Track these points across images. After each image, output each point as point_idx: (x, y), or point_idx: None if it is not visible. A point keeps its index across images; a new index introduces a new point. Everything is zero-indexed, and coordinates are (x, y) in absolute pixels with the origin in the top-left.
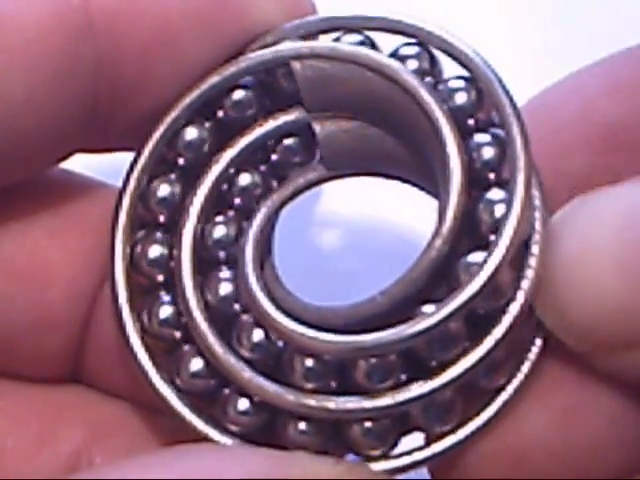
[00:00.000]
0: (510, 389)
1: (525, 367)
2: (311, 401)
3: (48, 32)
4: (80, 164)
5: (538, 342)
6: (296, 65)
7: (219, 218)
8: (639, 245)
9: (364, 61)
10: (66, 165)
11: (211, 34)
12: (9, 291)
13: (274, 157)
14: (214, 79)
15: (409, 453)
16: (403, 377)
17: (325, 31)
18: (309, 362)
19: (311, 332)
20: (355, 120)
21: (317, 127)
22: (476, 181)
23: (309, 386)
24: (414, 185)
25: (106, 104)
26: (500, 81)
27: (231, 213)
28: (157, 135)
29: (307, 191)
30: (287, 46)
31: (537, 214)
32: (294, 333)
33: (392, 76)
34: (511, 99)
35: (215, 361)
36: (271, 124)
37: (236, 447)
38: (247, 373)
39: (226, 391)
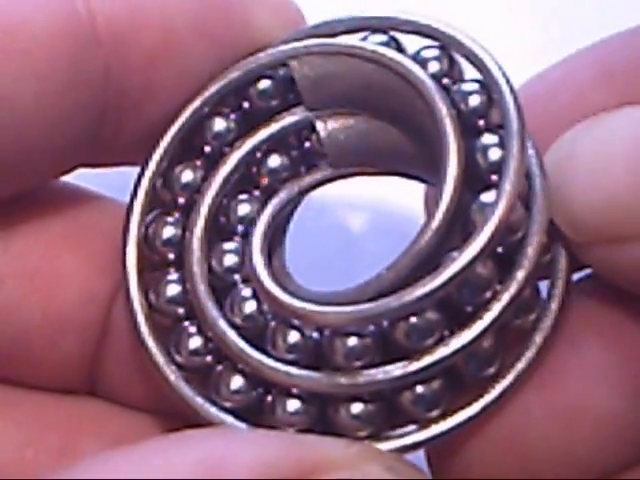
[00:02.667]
0: (513, 373)
1: (528, 354)
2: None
3: (56, 41)
4: (85, 180)
5: (542, 326)
6: (294, 64)
7: (242, 196)
8: None
9: (358, 52)
10: (74, 180)
11: (214, 45)
12: (21, 291)
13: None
14: (233, 73)
15: (406, 434)
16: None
17: (349, 31)
18: (294, 336)
19: (311, 305)
20: (356, 115)
21: (320, 126)
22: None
23: (292, 358)
24: (421, 180)
25: (113, 114)
26: (510, 86)
27: (256, 192)
28: (180, 122)
29: (314, 190)
30: (284, 46)
31: (533, 160)
32: (289, 305)
33: (387, 63)
34: (518, 105)
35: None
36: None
37: (246, 431)
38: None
39: (219, 368)
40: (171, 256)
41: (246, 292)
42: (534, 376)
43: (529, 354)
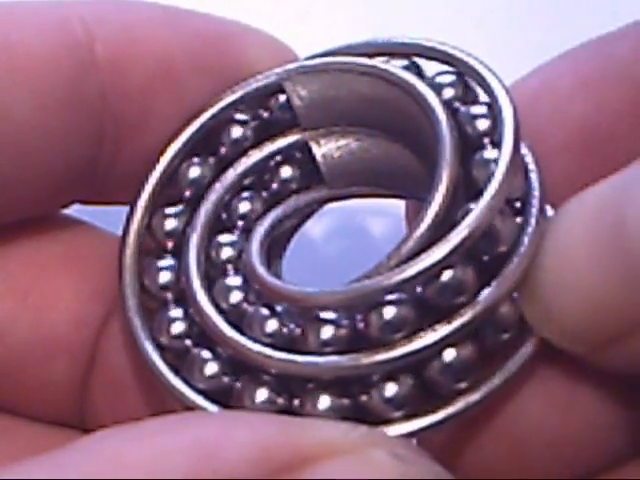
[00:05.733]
0: (526, 347)
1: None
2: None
3: (53, 61)
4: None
5: None
6: (287, 84)
7: (246, 194)
8: (609, 240)
9: (350, 67)
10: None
11: (209, 76)
12: (14, 310)
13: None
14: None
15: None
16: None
17: (367, 56)
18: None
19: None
20: (353, 134)
21: (314, 147)
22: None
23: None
24: (419, 199)
25: (110, 141)
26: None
27: (263, 194)
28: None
29: (311, 210)
30: (278, 69)
31: (532, 168)
32: (282, 290)
33: (380, 75)
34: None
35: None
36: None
37: (243, 413)
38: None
39: (197, 351)
40: (169, 244)
41: (235, 281)
42: (528, 371)
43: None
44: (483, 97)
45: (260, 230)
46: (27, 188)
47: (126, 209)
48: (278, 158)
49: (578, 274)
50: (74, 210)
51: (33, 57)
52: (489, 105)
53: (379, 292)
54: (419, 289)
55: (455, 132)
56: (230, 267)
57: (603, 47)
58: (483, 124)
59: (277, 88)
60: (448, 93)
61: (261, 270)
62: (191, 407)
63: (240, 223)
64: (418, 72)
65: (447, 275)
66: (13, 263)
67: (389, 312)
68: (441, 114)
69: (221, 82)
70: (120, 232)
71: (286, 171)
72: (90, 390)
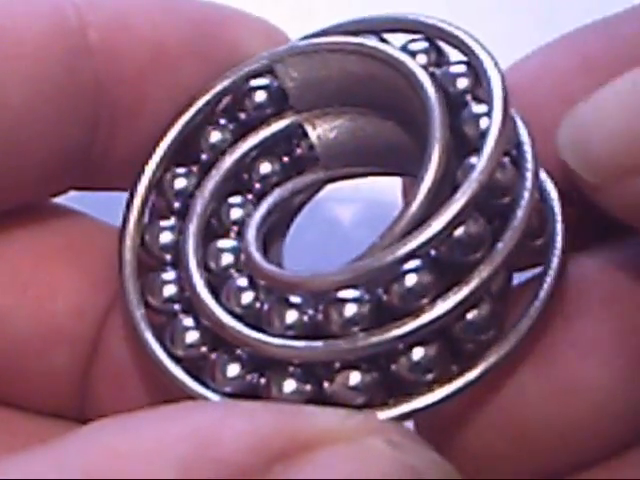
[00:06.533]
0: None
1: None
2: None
3: (46, 46)
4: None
5: (541, 295)
6: (278, 67)
7: (235, 199)
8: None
9: (339, 46)
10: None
11: (203, 61)
12: (14, 301)
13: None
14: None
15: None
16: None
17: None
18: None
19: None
20: (347, 114)
21: (309, 129)
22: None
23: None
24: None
25: (105, 127)
26: (495, 63)
27: (249, 196)
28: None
29: (310, 193)
30: (266, 52)
31: (522, 131)
32: (282, 277)
33: (368, 52)
34: (503, 82)
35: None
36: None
37: (241, 402)
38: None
39: (214, 356)
40: (168, 257)
41: (242, 281)
42: (528, 353)
43: (525, 322)
44: (456, 58)
45: (257, 217)
46: (22, 174)
47: (121, 198)
48: (273, 142)
49: (611, 118)
50: (74, 201)
51: (26, 44)
52: (466, 63)
53: (396, 262)
54: (434, 252)
55: (445, 107)
56: (232, 271)
57: (607, 28)
58: (462, 82)
59: (268, 70)
60: (422, 59)
61: (263, 262)
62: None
63: (238, 221)
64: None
65: (461, 230)
66: (13, 254)
67: (410, 280)
68: (430, 89)
69: (216, 67)
70: (119, 223)
71: (276, 158)
72: (91, 381)
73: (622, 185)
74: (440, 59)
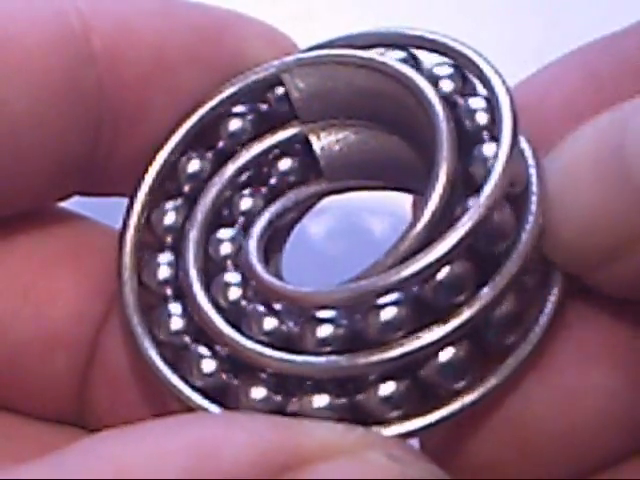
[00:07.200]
0: (524, 348)
1: (538, 328)
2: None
3: (50, 53)
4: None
5: (548, 307)
6: (286, 77)
7: (246, 191)
8: (609, 162)
9: (349, 60)
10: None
11: (206, 68)
12: (15, 306)
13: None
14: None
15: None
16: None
17: (365, 47)
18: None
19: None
20: (351, 126)
21: (313, 140)
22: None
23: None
24: (416, 193)
25: (108, 133)
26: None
27: (262, 190)
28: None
29: (311, 203)
30: (276, 61)
31: (531, 163)
32: (273, 285)
33: (377, 67)
34: (514, 112)
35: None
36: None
37: (241, 415)
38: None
39: (196, 348)
40: (169, 240)
41: (234, 277)
42: (532, 364)
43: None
44: (481, 90)
45: (258, 226)
46: (25, 180)
47: (125, 202)
48: (277, 151)
49: (577, 193)
50: (75, 205)
51: (29, 49)
52: (488, 99)
53: (376, 292)
54: (416, 288)
55: (453, 126)
56: (229, 263)
57: (613, 44)
58: (482, 118)
59: (275, 80)
60: (446, 85)
61: (259, 268)
62: (188, 404)
63: (241, 219)
64: (416, 64)
65: (444, 273)
66: (14, 259)
67: (387, 313)
68: (439, 108)
69: (219, 73)
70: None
71: (285, 164)
72: (90, 386)
73: (605, 271)
74: (464, 87)
